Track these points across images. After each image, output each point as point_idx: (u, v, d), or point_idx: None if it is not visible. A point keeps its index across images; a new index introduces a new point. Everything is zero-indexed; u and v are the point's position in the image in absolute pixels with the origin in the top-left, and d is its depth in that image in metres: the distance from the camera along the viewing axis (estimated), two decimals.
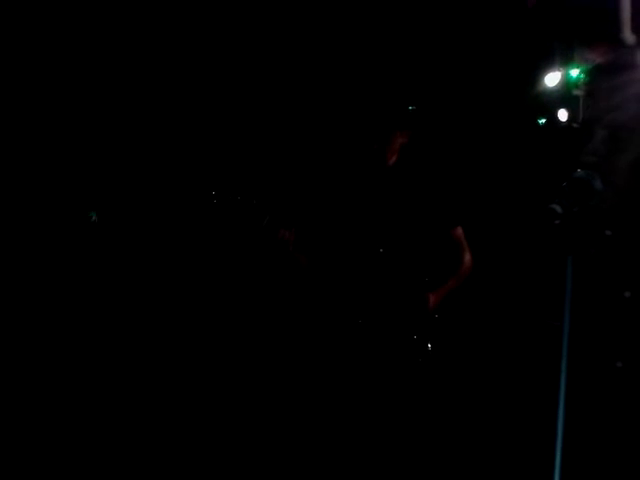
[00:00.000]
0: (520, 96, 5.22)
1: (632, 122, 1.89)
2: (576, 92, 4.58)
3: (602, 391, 1.89)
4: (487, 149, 5.34)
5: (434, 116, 5.27)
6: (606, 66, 2.00)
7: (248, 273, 4.91)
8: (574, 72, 4.75)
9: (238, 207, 3.60)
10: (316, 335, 3.63)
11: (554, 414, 1.69)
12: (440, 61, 5.18)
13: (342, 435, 3.47)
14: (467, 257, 3.77)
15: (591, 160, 1.89)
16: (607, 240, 1.90)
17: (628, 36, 3.53)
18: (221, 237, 4.93)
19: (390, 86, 4.04)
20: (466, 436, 4.75)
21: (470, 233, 4.92)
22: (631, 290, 1.85)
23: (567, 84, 4.86)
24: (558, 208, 1.70)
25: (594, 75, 1.99)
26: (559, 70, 5.02)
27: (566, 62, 4.84)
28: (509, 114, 5.30)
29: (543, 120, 5.34)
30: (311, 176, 3.96)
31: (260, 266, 4.68)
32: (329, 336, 3.59)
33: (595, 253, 1.94)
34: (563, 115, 4.98)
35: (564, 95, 4.85)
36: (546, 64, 5.05)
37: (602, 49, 2.83)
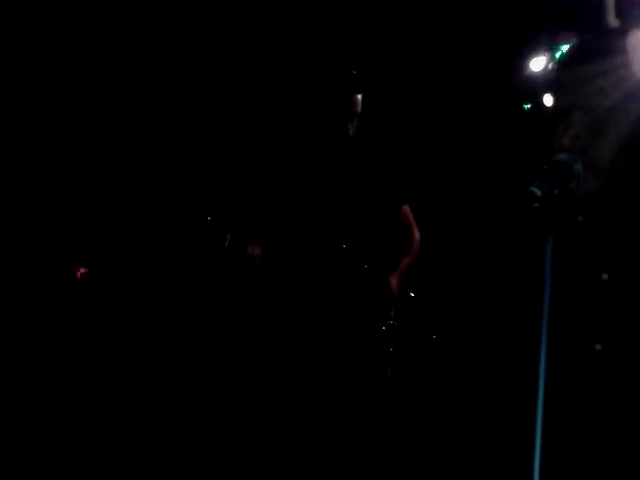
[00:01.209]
0: (505, 80, 5.21)
1: (615, 107, 1.88)
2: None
3: (581, 374, 1.89)
4: (469, 133, 5.34)
5: (416, 103, 5.24)
6: (588, 50, 1.99)
7: (216, 304, 4.42)
8: (561, 55, 4.73)
9: (192, 231, 3.05)
10: (285, 336, 3.45)
11: (534, 399, 1.69)
12: (423, 45, 5.15)
13: (312, 432, 3.37)
14: (416, 234, 3.67)
15: (572, 144, 1.88)
16: (580, 225, 1.90)
17: (612, 20, 3.52)
18: (180, 269, 4.49)
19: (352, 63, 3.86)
20: (441, 423, 4.75)
21: (451, 217, 4.90)
22: (608, 272, 1.85)
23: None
24: (538, 191, 1.69)
25: (575, 60, 1.97)
26: (544, 54, 5.01)
27: (552, 46, 4.83)
28: (494, 99, 5.30)
29: (528, 105, 5.33)
30: (265, 172, 3.66)
31: (229, 294, 4.04)
32: (298, 335, 3.43)
33: (568, 239, 1.93)
34: (548, 100, 4.97)
35: (550, 79, 4.84)
36: (531, 48, 5.04)
37: (585, 33, 2.82)
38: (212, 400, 4.38)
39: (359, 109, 3.50)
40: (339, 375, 3.39)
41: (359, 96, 3.50)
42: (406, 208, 3.73)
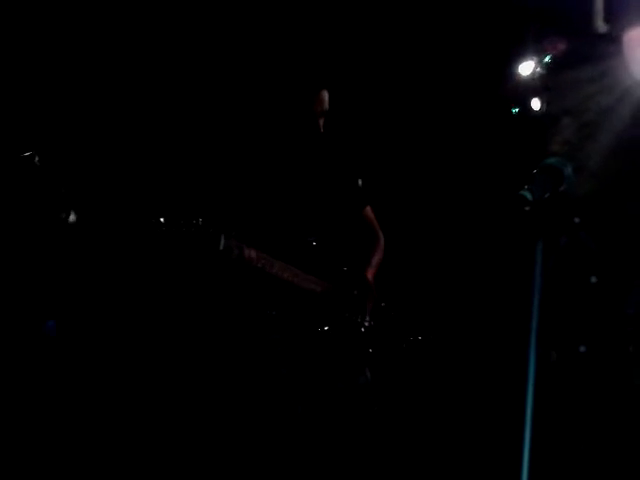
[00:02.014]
0: (493, 84, 5.24)
1: (605, 112, 1.91)
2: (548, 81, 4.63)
3: (567, 375, 1.92)
4: (458, 137, 5.36)
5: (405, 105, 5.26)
6: (578, 56, 2.02)
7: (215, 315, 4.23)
8: (549, 60, 4.78)
9: (184, 234, 2.84)
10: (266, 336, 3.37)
11: (522, 400, 1.71)
12: (411, 48, 5.16)
13: (297, 436, 3.32)
14: (381, 235, 3.66)
15: (562, 148, 1.91)
16: (576, 227, 1.94)
17: (600, 25, 3.55)
18: (173, 273, 4.30)
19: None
20: (424, 423, 4.76)
21: (443, 219, 4.90)
22: (597, 276, 1.88)
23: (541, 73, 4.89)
24: (528, 195, 1.71)
25: (564, 66, 2.01)
26: (533, 59, 5.05)
27: (540, 50, 4.87)
28: (482, 102, 5.32)
29: (516, 109, 5.37)
30: (240, 171, 3.53)
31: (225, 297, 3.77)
32: (283, 338, 3.35)
33: (566, 241, 1.97)
34: (536, 104, 5.01)
35: (538, 84, 4.88)
36: (520, 52, 5.07)
37: (574, 38, 2.85)
38: (198, 400, 4.38)
39: (326, 106, 3.44)
40: (322, 378, 3.36)
41: (325, 93, 3.43)
42: (368, 210, 3.70)
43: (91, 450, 4.21)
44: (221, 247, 2.92)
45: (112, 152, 4.63)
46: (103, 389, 4.44)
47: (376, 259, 3.60)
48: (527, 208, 1.69)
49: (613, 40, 2.07)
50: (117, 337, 4.54)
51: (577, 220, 1.91)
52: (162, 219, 2.84)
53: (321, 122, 3.43)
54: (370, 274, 3.51)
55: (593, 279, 1.86)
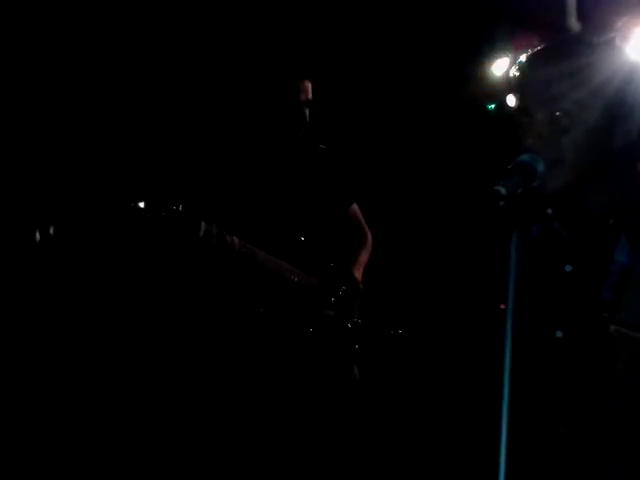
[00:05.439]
0: (468, 80, 5.28)
1: (579, 106, 1.96)
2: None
3: (543, 359, 1.96)
4: (434, 133, 5.40)
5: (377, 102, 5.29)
6: (552, 53, 2.06)
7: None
8: (523, 58, 4.83)
9: (164, 221, 2.80)
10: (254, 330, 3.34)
11: (498, 384, 1.75)
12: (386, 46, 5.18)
13: (285, 433, 3.30)
14: (368, 232, 3.64)
15: (536, 143, 1.96)
16: (549, 218, 1.99)
17: (573, 23, 3.60)
18: (152, 260, 4.31)
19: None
20: (410, 418, 4.80)
21: (418, 214, 4.94)
22: (572, 264, 1.93)
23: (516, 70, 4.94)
24: (502, 190, 1.76)
25: (538, 62, 2.05)
26: (507, 56, 5.11)
27: (513, 49, 4.92)
28: (457, 98, 5.36)
29: (492, 106, 5.42)
30: (225, 163, 3.49)
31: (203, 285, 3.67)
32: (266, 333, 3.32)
33: (538, 231, 2.01)
34: (511, 101, 5.06)
35: (513, 81, 4.92)
36: (494, 50, 5.13)
37: (547, 35, 2.90)
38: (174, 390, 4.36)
39: (309, 95, 3.39)
40: (308, 375, 3.35)
41: (308, 82, 3.38)
42: (355, 207, 3.66)
43: (81, 450, 4.21)
44: (201, 233, 2.88)
45: (94, 142, 4.62)
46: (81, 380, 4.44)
47: (363, 257, 3.57)
48: (501, 203, 1.74)
49: (585, 38, 2.11)
50: (97, 327, 4.53)
51: (550, 211, 1.96)
52: (142, 204, 2.80)
53: (306, 112, 3.38)
54: (358, 272, 3.48)
55: (568, 268, 1.92)
